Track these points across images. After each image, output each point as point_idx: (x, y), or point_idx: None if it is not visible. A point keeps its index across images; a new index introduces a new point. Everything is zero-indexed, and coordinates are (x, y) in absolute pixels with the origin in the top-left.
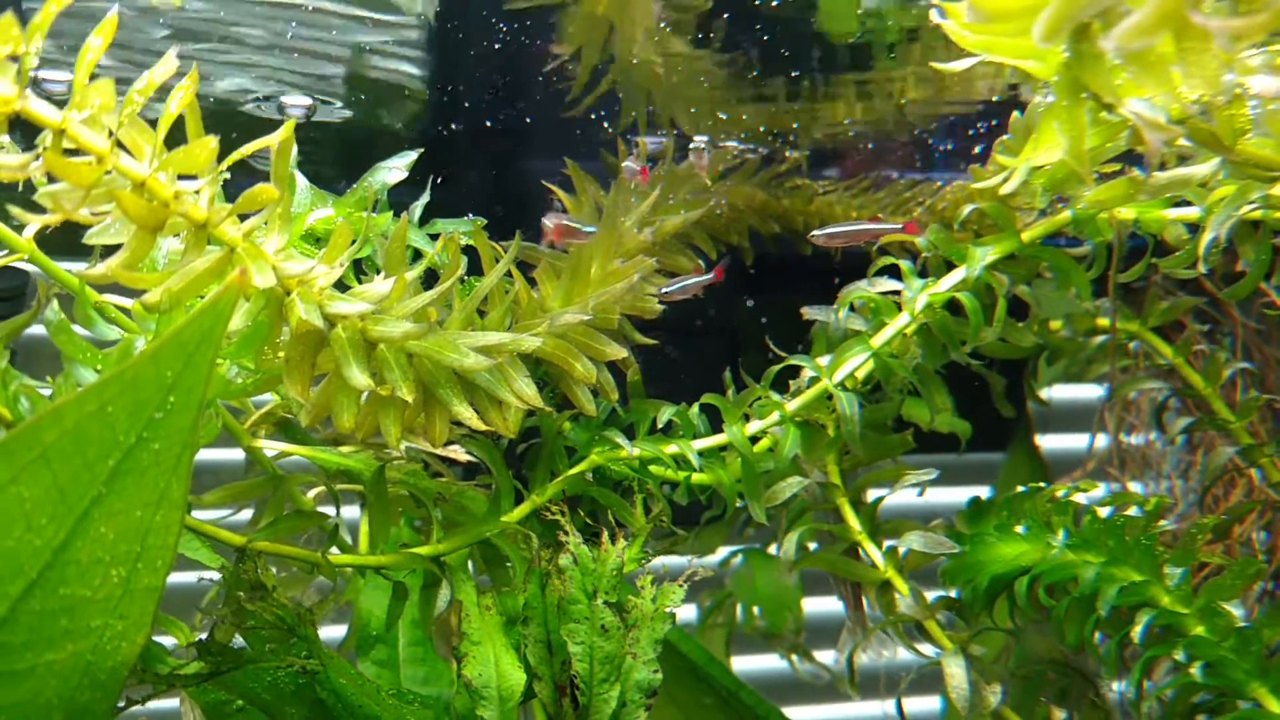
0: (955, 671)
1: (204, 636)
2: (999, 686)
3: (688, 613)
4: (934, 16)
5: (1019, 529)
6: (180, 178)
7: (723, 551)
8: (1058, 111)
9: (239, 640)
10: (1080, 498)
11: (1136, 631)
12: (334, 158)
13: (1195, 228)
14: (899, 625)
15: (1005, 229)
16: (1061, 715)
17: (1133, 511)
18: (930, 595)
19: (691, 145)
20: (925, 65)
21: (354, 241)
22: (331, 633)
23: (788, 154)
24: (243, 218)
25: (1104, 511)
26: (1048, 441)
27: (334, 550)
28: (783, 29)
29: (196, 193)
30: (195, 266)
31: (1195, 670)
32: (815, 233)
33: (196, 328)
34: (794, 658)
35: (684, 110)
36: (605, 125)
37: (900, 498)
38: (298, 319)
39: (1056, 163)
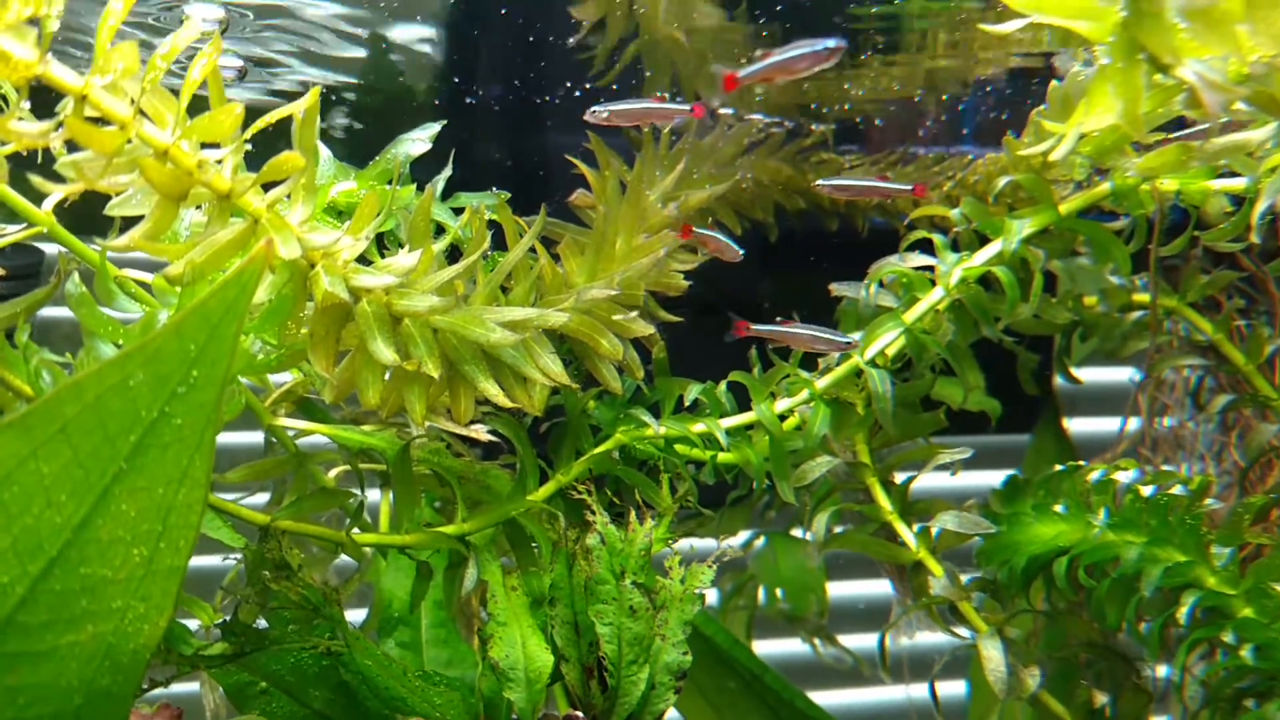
0: (992, 654)
1: (227, 618)
2: (1037, 669)
3: (709, 596)
4: None
5: (1057, 508)
6: (203, 146)
7: (744, 534)
8: (1112, 74)
9: (261, 622)
10: (1118, 477)
11: (1182, 613)
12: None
13: (1238, 200)
14: (933, 607)
15: (1042, 201)
16: (1103, 699)
17: (1176, 491)
18: (963, 578)
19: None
20: (953, 36)
21: (378, 214)
22: (350, 616)
23: (813, 128)
24: (266, 188)
25: (1146, 490)
26: (1074, 424)
27: (357, 530)
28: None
29: (220, 162)
30: (218, 238)
31: (1245, 652)
32: (820, 182)
33: (220, 300)
34: (816, 641)
35: (709, 82)
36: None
37: (924, 480)
38: (323, 292)
39: (1104, 129)
